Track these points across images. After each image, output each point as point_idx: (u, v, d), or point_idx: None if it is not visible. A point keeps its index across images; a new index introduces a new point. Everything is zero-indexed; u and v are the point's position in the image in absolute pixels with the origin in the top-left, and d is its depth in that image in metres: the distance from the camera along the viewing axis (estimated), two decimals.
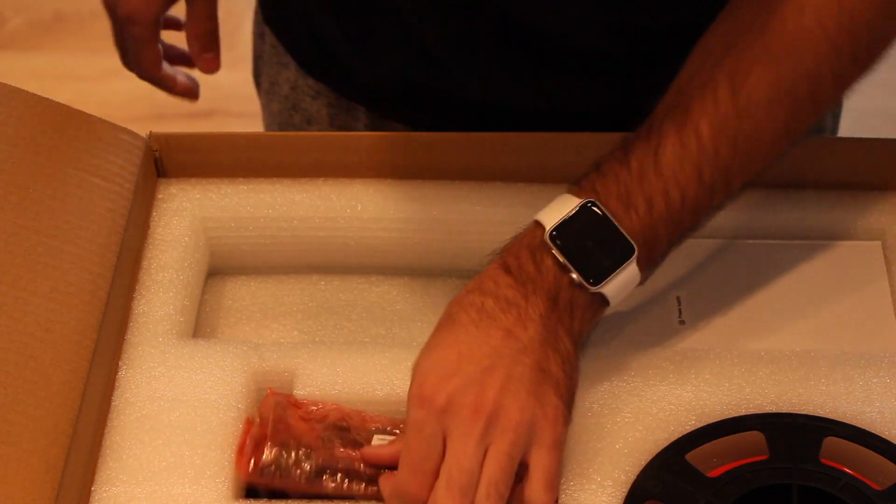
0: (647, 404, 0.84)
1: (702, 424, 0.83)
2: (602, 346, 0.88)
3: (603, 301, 0.79)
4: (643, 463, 0.81)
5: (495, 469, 0.74)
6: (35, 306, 0.84)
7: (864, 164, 0.96)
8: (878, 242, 0.95)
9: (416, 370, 0.76)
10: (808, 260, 0.94)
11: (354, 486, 0.81)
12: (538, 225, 0.79)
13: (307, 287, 0.99)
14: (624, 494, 0.79)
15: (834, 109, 1.12)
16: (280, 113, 1.11)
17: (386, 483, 0.78)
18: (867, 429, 0.82)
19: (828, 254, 0.95)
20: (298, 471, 0.81)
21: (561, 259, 0.77)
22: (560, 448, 0.76)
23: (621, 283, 0.79)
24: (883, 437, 0.81)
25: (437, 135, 0.96)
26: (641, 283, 0.80)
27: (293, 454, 0.81)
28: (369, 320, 0.96)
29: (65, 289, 0.85)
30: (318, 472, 0.81)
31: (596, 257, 0.78)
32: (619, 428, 0.83)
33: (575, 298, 0.78)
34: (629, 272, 0.79)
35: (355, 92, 1.04)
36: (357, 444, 0.82)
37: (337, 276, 0.99)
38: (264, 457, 0.81)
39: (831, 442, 0.81)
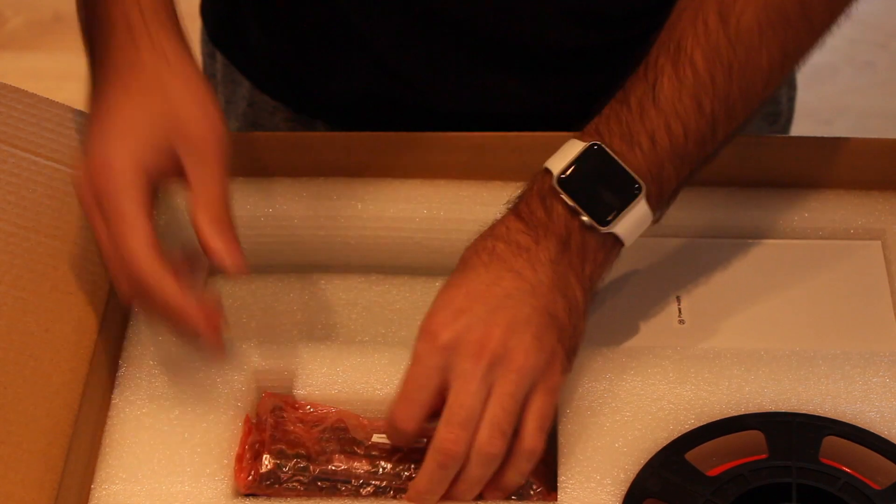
0: (647, 403, 0.84)
1: (701, 423, 0.83)
2: (602, 344, 0.88)
3: (616, 241, 0.80)
4: (643, 462, 0.81)
5: (498, 409, 0.75)
6: (35, 306, 0.84)
7: (864, 164, 0.96)
8: (878, 242, 0.95)
9: (430, 308, 0.78)
10: (807, 260, 0.94)
11: (354, 493, 0.81)
12: (546, 172, 0.80)
13: (307, 286, 0.99)
14: (623, 493, 0.79)
15: (789, 93, 1.13)
16: (238, 130, 1.10)
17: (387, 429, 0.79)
18: (867, 428, 0.82)
19: (828, 253, 0.95)
20: (295, 482, 0.81)
21: (570, 203, 0.78)
22: (556, 394, 0.77)
23: (633, 222, 0.79)
24: (882, 436, 0.81)
25: (437, 135, 0.96)
26: (655, 221, 0.81)
27: (291, 463, 0.81)
28: (369, 319, 0.96)
29: (65, 289, 0.85)
30: (316, 481, 0.81)
31: (604, 198, 0.79)
32: (618, 426, 0.83)
33: (586, 241, 0.79)
34: (639, 210, 0.79)
35: (315, 107, 1.04)
36: (356, 444, 0.82)
37: (337, 276, 0.99)
38: (262, 469, 0.81)
39: (831, 441, 0.81)
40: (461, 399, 0.75)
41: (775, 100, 1.10)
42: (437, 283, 0.98)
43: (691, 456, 0.81)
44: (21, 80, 0.94)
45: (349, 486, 0.81)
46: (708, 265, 0.94)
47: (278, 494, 0.81)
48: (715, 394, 0.84)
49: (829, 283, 0.93)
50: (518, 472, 0.78)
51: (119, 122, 0.78)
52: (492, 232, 0.80)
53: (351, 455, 0.82)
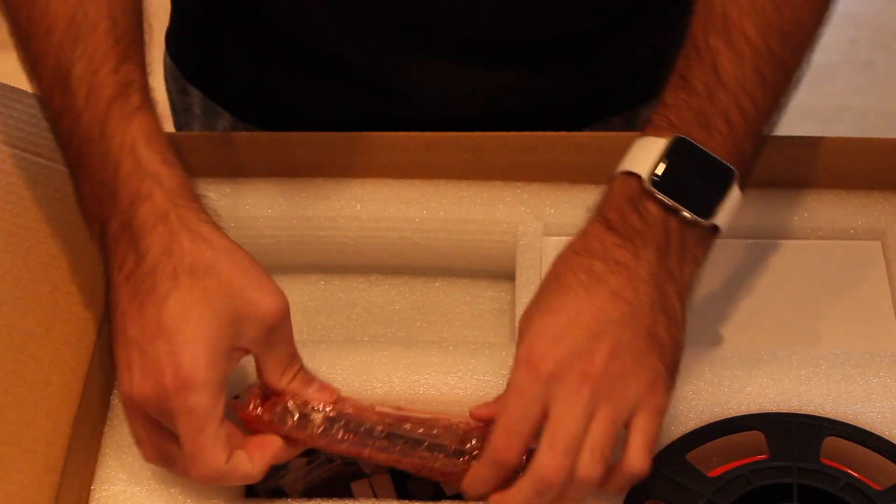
0: None
1: (702, 424, 0.83)
2: None
3: (714, 232, 0.78)
4: None
5: (601, 434, 0.73)
6: (35, 306, 0.84)
7: (865, 164, 0.96)
8: (878, 242, 0.95)
9: (524, 333, 0.75)
10: (808, 260, 0.94)
11: (371, 443, 0.79)
12: (630, 175, 0.77)
13: (306, 286, 0.99)
14: (624, 493, 0.79)
15: None
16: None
17: (474, 469, 0.77)
18: (867, 428, 0.82)
19: (828, 254, 0.95)
20: (311, 422, 0.78)
21: (669, 202, 0.76)
22: (662, 415, 0.75)
23: (730, 208, 0.77)
24: (883, 436, 0.81)
25: (437, 135, 0.96)
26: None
27: (304, 408, 0.78)
28: (369, 319, 0.96)
29: (65, 289, 0.85)
30: (332, 423, 0.78)
31: (700, 190, 0.76)
32: None
33: (686, 239, 0.77)
34: (734, 195, 0.77)
35: (307, 130, 1.03)
36: (359, 424, 0.80)
37: (336, 276, 0.99)
38: (276, 407, 0.78)
39: (832, 442, 0.81)
40: (565, 424, 0.73)
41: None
42: (437, 284, 0.99)
43: (692, 456, 0.81)
44: (21, 80, 0.94)
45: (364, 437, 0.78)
46: (709, 265, 0.93)
47: (291, 434, 0.78)
48: (715, 394, 0.84)
49: (830, 283, 0.93)
50: (617, 489, 0.77)
51: (190, 329, 0.71)
52: (585, 247, 0.76)
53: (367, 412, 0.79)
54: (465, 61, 0.97)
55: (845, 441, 0.81)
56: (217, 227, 0.76)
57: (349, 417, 0.78)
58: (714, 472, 0.80)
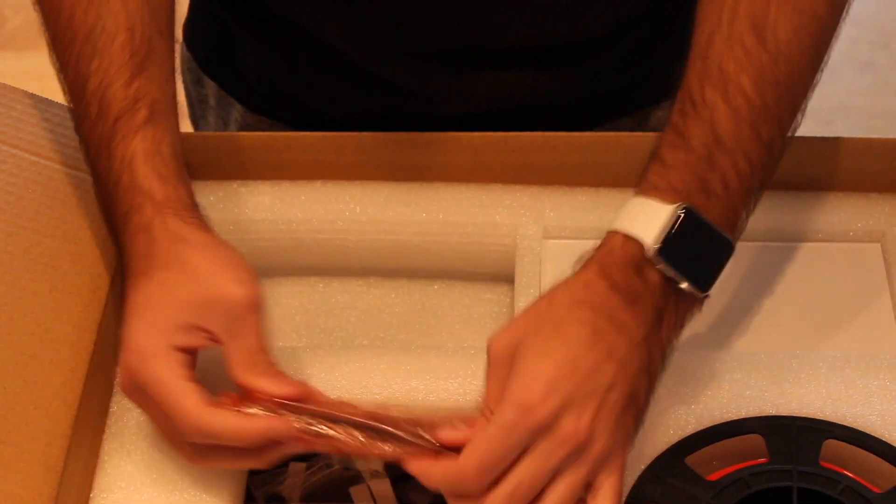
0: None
1: (701, 427, 0.83)
2: None
3: (704, 299, 0.78)
4: (642, 466, 0.81)
5: (567, 491, 0.73)
6: (35, 306, 0.84)
7: (864, 165, 0.96)
8: (878, 244, 0.95)
9: (520, 371, 0.74)
10: (807, 262, 0.94)
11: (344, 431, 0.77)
12: (630, 239, 0.76)
13: (305, 290, 0.99)
14: (624, 498, 0.79)
15: None
16: None
17: (434, 468, 0.75)
18: (867, 431, 0.82)
19: (827, 256, 0.94)
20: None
21: (671, 274, 0.76)
22: (624, 469, 0.76)
23: (721, 276, 0.78)
24: (883, 439, 0.81)
25: (437, 135, 0.96)
26: None
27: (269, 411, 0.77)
28: (368, 323, 0.96)
29: (65, 289, 0.85)
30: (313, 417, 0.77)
31: (702, 263, 0.77)
32: None
33: (680, 308, 0.77)
34: (727, 263, 0.78)
35: (316, 125, 1.02)
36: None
37: (335, 279, 0.99)
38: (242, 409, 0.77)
39: (831, 445, 0.81)
40: (535, 476, 0.73)
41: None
42: (436, 287, 0.98)
43: (691, 460, 0.81)
44: (21, 80, 0.94)
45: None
46: None
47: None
48: (715, 397, 0.84)
49: (829, 285, 0.93)
50: None
51: (145, 312, 0.77)
52: (589, 301, 0.75)
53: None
54: (476, 64, 0.97)
55: (845, 444, 0.81)
56: (202, 228, 0.80)
57: (311, 414, 0.77)
58: (713, 476, 0.80)
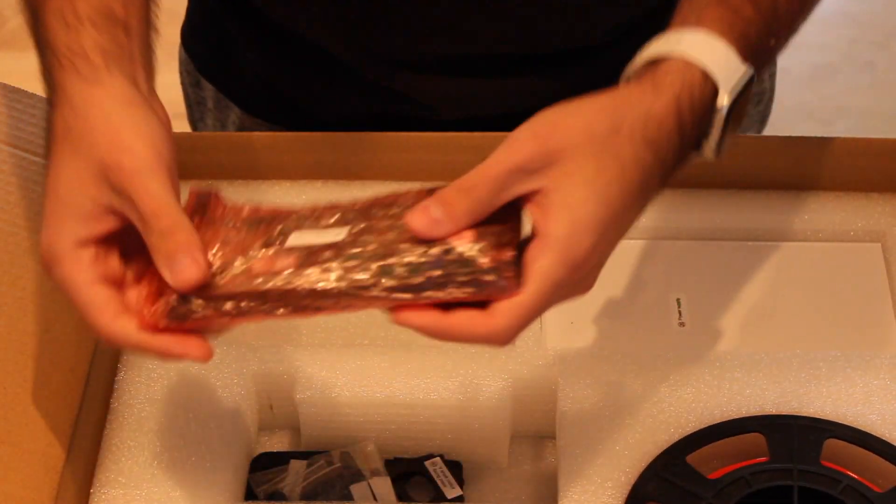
0: (648, 406, 0.84)
1: (702, 426, 0.83)
2: (602, 347, 0.88)
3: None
4: (644, 465, 0.81)
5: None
6: (35, 306, 0.84)
7: (865, 165, 0.96)
8: (878, 244, 0.95)
9: (575, 208, 0.69)
10: (808, 262, 0.94)
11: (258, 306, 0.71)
12: (709, 80, 0.71)
13: None
14: (624, 496, 0.79)
15: (771, 68, 1.12)
16: None
17: (474, 327, 0.70)
18: (868, 431, 0.82)
19: (827, 256, 0.94)
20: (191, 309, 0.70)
21: (717, 131, 0.72)
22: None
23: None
24: (883, 439, 0.81)
25: (439, 135, 0.96)
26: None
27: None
28: (369, 322, 0.96)
29: None
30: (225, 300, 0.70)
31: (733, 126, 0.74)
32: (619, 429, 0.83)
33: (690, 154, 0.74)
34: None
35: (315, 128, 1.01)
36: (283, 235, 0.73)
37: None
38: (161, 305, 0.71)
39: (832, 444, 0.81)
40: (547, 303, 0.69)
41: (759, 78, 1.10)
42: None
43: (692, 459, 0.81)
44: (21, 80, 0.94)
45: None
46: (708, 268, 0.94)
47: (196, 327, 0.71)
48: (716, 397, 0.84)
49: (830, 285, 0.93)
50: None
51: (49, 205, 0.72)
52: (657, 143, 0.70)
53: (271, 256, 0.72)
54: (475, 70, 0.97)
55: (845, 443, 0.81)
56: (96, 83, 0.73)
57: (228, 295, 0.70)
58: (714, 475, 0.80)
